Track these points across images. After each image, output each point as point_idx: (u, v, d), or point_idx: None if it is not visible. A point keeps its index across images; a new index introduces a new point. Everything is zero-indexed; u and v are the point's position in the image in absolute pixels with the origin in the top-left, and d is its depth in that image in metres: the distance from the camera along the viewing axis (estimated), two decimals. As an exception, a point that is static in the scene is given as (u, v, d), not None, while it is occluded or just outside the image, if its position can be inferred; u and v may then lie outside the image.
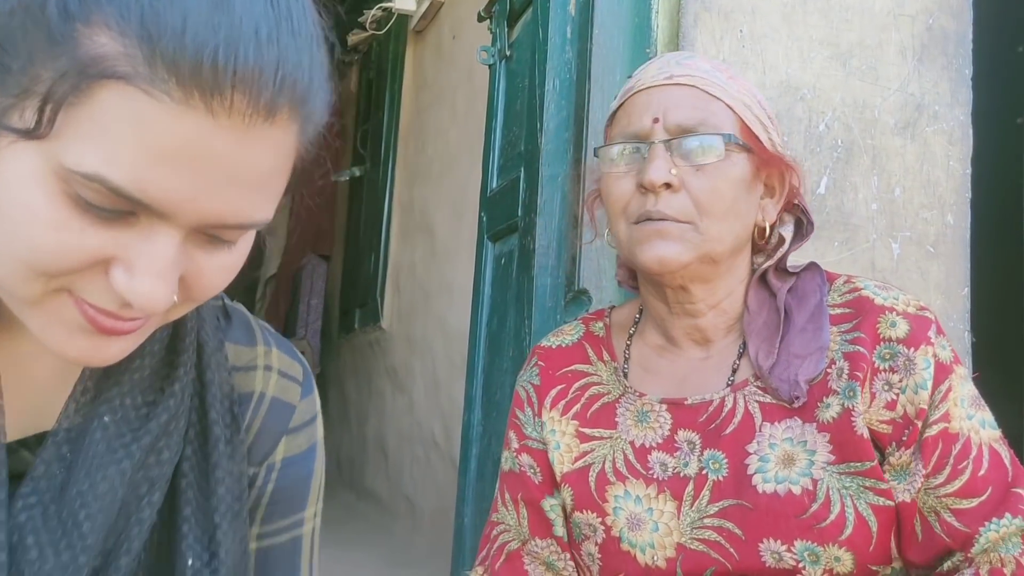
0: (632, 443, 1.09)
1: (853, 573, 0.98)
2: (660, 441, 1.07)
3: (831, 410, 1.01)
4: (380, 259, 4.29)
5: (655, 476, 1.06)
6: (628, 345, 1.17)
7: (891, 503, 0.98)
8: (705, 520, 1.02)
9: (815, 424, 1.01)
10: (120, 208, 0.54)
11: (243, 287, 5.34)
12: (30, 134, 0.53)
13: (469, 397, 2.23)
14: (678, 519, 1.03)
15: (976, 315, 1.67)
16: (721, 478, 1.03)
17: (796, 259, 1.14)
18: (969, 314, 1.67)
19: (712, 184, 1.03)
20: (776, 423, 1.03)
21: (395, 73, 4.38)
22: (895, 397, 0.99)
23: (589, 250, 1.65)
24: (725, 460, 1.03)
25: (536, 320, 1.79)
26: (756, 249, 1.13)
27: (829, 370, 1.03)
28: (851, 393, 1.00)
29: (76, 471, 0.63)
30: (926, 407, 0.98)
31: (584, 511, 1.08)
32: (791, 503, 0.98)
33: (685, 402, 1.08)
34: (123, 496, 0.64)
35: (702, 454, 1.05)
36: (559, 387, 1.16)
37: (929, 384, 0.99)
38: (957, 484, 0.97)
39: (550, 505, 1.12)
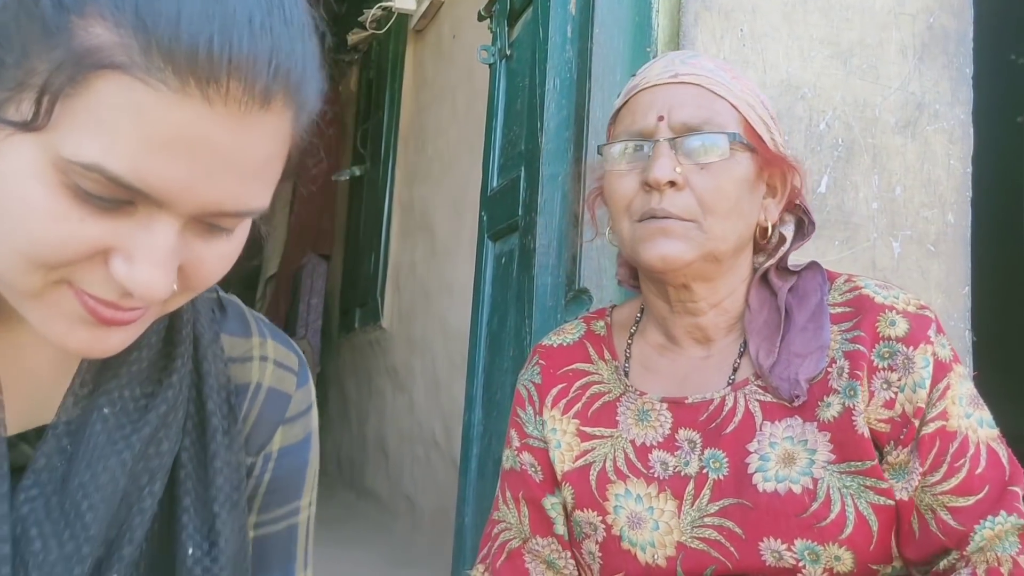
0: (633, 442, 1.09)
1: (853, 572, 0.98)
2: (661, 440, 1.08)
3: (832, 409, 1.01)
4: (380, 258, 4.29)
5: (656, 475, 1.06)
6: (629, 344, 1.17)
7: (891, 502, 0.98)
8: (705, 519, 1.02)
9: (816, 423, 1.01)
10: (119, 197, 0.54)
11: (243, 285, 5.35)
12: (27, 126, 0.53)
13: (469, 396, 2.23)
14: (678, 518, 1.03)
15: (977, 314, 1.67)
16: (721, 477, 1.03)
17: (797, 258, 1.14)
18: (970, 313, 1.67)
19: (716, 183, 1.03)
20: (776, 422, 1.03)
21: (395, 72, 4.38)
22: (893, 396, 0.99)
23: (589, 249, 1.65)
24: (725, 459, 1.03)
25: (537, 319, 1.79)
26: (757, 248, 1.13)
27: (830, 369, 1.03)
28: (851, 392, 1.00)
29: (77, 463, 0.64)
30: (924, 406, 0.98)
31: (585, 510, 1.08)
32: (791, 502, 0.98)
33: (686, 401, 1.08)
34: (124, 487, 0.64)
35: (703, 453, 1.05)
36: (560, 386, 1.16)
37: (927, 383, 0.99)
38: (954, 482, 0.97)
39: (551, 503, 1.12)
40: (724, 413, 1.06)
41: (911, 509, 0.99)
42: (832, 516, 0.97)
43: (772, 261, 1.10)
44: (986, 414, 1.01)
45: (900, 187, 1.65)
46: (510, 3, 2.26)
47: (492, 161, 2.30)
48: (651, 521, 1.04)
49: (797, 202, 1.13)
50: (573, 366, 1.17)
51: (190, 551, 0.67)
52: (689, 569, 1.02)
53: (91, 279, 0.57)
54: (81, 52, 0.52)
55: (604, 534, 1.07)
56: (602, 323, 1.21)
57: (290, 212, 5.64)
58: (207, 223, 0.59)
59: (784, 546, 0.98)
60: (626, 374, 1.14)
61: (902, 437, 0.99)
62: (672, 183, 1.02)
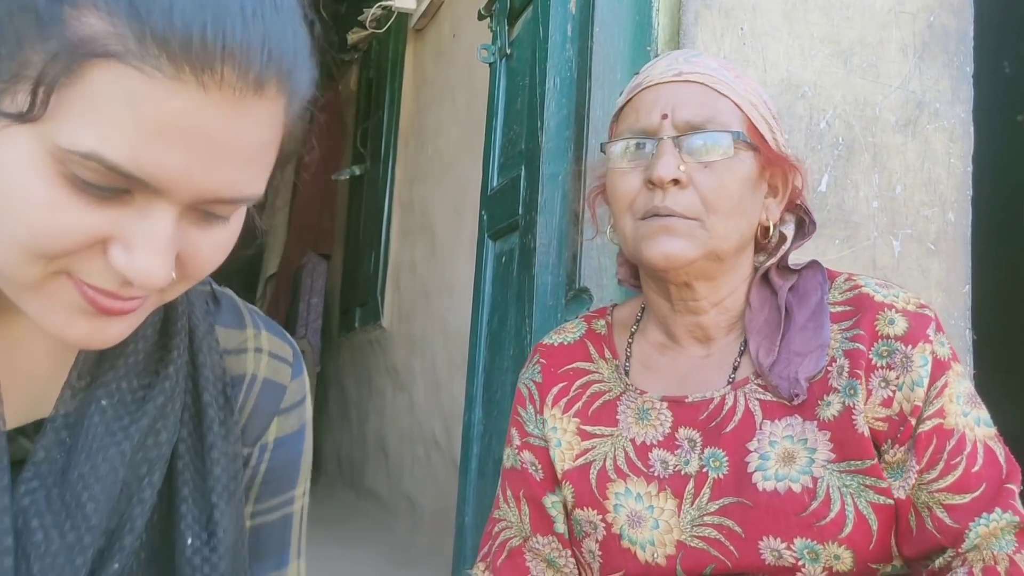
0: (633, 441, 1.09)
1: (853, 571, 0.98)
2: (661, 439, 1.08)
3: (832, 408, 1.01)
4: (380, 258, 4.29)
5: (656, 474, 1.06)
6: (630, 343, 1.17)
7: (891, 501, 0.98)
8: (705, 518, 1.02)
9: (816, 422, 1.01)
10: (116, 186, 0.55)
11: (243, 285, 5.35)
12: (23, 117, 0.53)
13: (470, 396, 2.22)
14: (678, 517, 1.03)
15: (977, 313, 1.67)
16: (721, 476, 1.03)
17: (797, 257, 1.14)
18: (970, 312, 1.67)
19: (720, 181, 1.03)
20: (776, 421, 1.03)
21: (395, 72, 4.38)
22: (891, 394, 0.99)
23: (590, 248, 1.65)
24: (725, 458, 1.03)
25: (537, 318, 1.79)
26: (758, 248, 1.13)
27: (830, 368, 1.03)
28: (852, 391, 1.00)
29: (76, 454, 0.64)
30: (921, 404, 0.98)
31: (585, 508, 1.08)
32: (791, 501, 0.98)
33: (686, 400, 1.08)
34: (124, 477, 0.65)
35: (703, 452, 1.05)
36: (561, 385, 1.16)
37: (925, 381, 0.99)
38: (950, 479, 0.97)
39: (551, 502, 1.12)
40: (724, 412, 1.05)
41: (909, 507, 0.98)
42: (832, 515, 0.97)
43: (773, 260, 1.10)
44: (984, 413, 1.01)
45: (900, 186, 1.65)
46: (510, 2, 2.26)
47: (492, 160, 2.30)
48: (651, 520, 1.04)
49: (798, 202, 1.14)
50: (574, 365, 1.17)
51: (189, 541, 0.67)
52: (689, 568, 1.02)
53: (90, 269, 0.57)
54: (75, 42, 0.53)
55: (604, 533, 1.07)
56: (603, 322, 1.21)
57: (290, 212, 5.64)
58: (203, 211, 0.60)
59: (784, 545, 0.98)
60: (627, 373, 1.14)
61: (899, 435, 0.99)
62: (676, 181, 1.02)
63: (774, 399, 1.04)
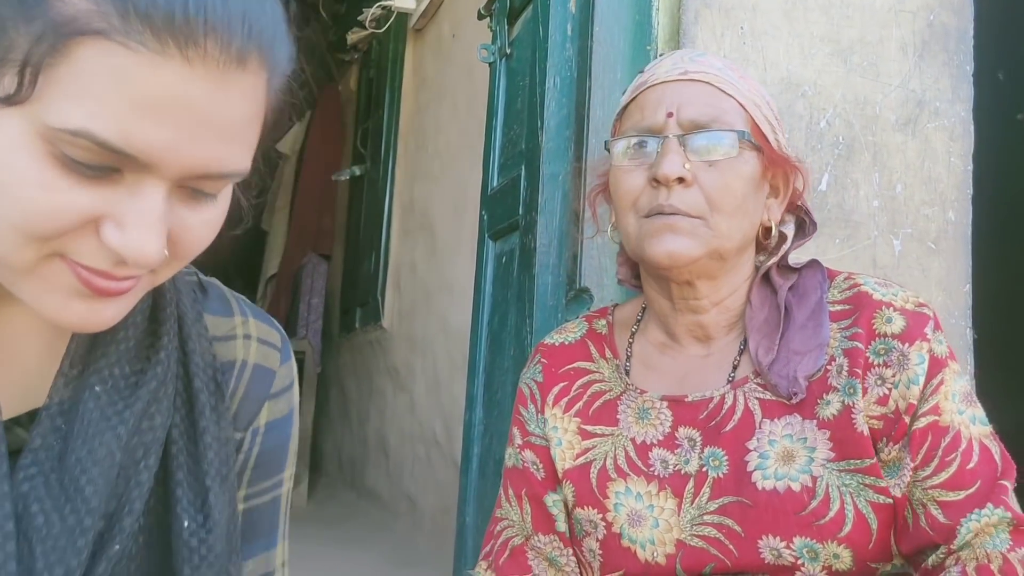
0: (633, 440, 1.09)
1: (852, 570, 0.98)
2: (661, 438, 1.08)
3: (831, 407, 1.01)
4: (381, 258, 4.29)
5: (656, 473, 1.06)
6: (630, 343, 1.17)
7: (890, 500, 0.98)
8: (705, 517, 1.02)
9: (815, 421, 1.01)
10: (106, 164, 0.56)
11: (244, 285, 5.34)
12: (11, 100, 0.54)
13: (470, 396, 2.22)
14: (678, 516, 1.03)
15: (977, 311, 1.67)
16: (721, 475, 1.03)
17: (798, 256, 1.14)
18: (970, 310, 1.67)
19: (724, 180, 1.03)
20: (776, 420, 1.03)
21: (395, 72, 4.38)
22: (887, 392, 0.99)
23: (590, 248, 1.65)
24: (725, 457, 1.03)
25: (537, 318, 1.79)
26: (759, 248, 1.13)
27: (829, 367, 1.03)
28: (851, 390, 1.00)
29: (73, 440, 0.65)
30: (916, 402, 0.98)
31: (585, 507, 1.09)
32: (790, 500, 0.98)
33: (686, 399, 1.08)
34: (121, 461, 0.66)
35: (702, 451, 1.05)
36: (562, 384, 1.16)
37: (921, 379, 0.98)
38: (944, 476, 0.97)
39: (553, 501, 1.12)
40: (724, 411, 1.06)
41: (905, 505, 0.98)
42: (831, 514, 0.97)
43: (774, 260, 1.11)
44: (979, 411, 1.01)
45: (901, 185, 1.65)
46: (510, 2, 2.26)
47: (492, 160, 2.30)
48: (651, 519, 1.04)
49: (798, 203, 1.14)
50: (574, 364, 1.17)
51: (186, 523, 0.69)
52: (688, 567, 1.02)
53: (84, 250, 0.58)
54: (59, 21, 0.54)
55: (604, 532, 1.07)
56: (604, 322, 1.21)
57: (290, 212, 5.64)
58: (191, 189, 0.61)
59: (783, 544, 0.98)
60: (627, 372, 1.15)
61: (893, 433, 0.99)
62: (681, 179, 1.02)
63: (773, 398, 1.04)
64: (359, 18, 4.28)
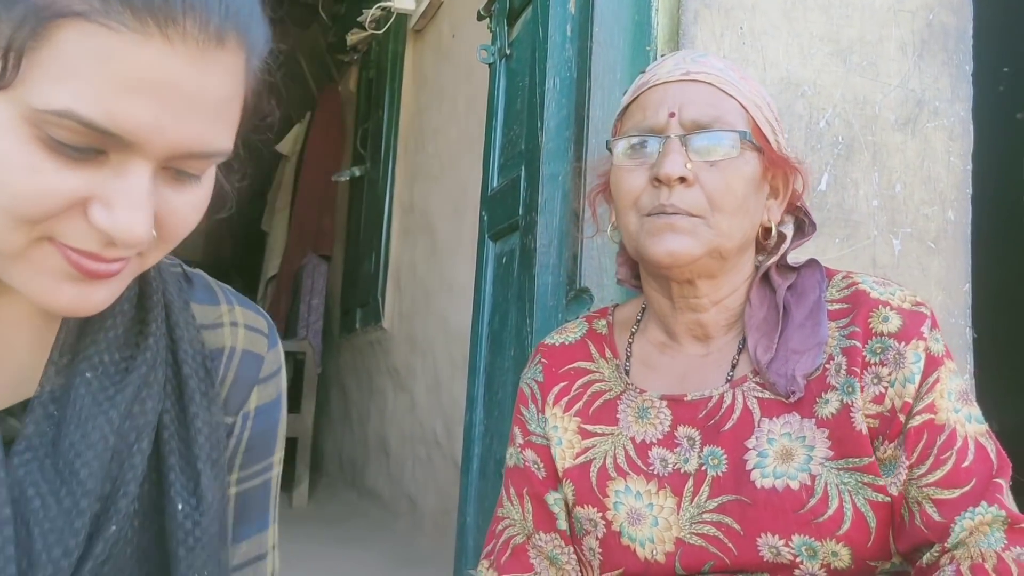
0: (633, 439, 1.09)
1: (851, 568, 0.98)
2: (660, 437, 1.08)
3: (830, 406, 1.01)
4: (381, 258, 4.29)
5: (655, 472, 1.07)
6: (630, 343, 1.17)
7: (888, 499, 0.98)
8: (704, 515, 1.02)
9: (814, 420, 1.01)
10: (91, 145, 0.57)
11: (243, 286, 5.34)
12: None
13: (471, 396, 2.23)
14: (677, 514, 1.04)
15: (977, 311, 1.67)
16: (720, 474, 1.03)
17: (798, 256, 1.15)
18: (970, 310, 1.67)
19: (725, 180, 1.03)
20: (775, 418, 1.03)
21: (395, 72, 4.38)
22: (883, 391, 0.99)
23: (590, 248, 1.66)
24: (724, 456, 1.03)
25: (537, 319, 1.79)
26: (759, 248, 1.14)
27: (827, 366, 1.03)
28: (850, 389, 1.00)
29: (66, 425, 0.66)
30: (911, 400, 0.98)
31: (585, 506, 1.09)
32: (789, 498, 0.99)
33: (685, 398, 1.09)
34: (114, 445, 0.67)
35: (702, 450, 1.05)
36: (562, 384, 1.16)
37: (917, 378, 0.99)
38: (939, 474, 0.97)
39: (554, 499, 1.12)
40: (723, 410, 1.06)
41: (901, 502, 0.99)
42: (830, 512, 0.97)
43: (774, 259, 1.11)
44: (975, 410, 1.01)
45: (900, 184, 1.65)
46: (509, 2, 2.26)
47: (492, 161, 2.30)
48: (650, 517, 1.05)
49: (798, 204, 1.14)
50: (575, 364, 1.17)
51: (180, 506, 0.70)
52: (687, 565, 1.02)
53: (72, 232, 0.59)
54: (40, 5, 0.55)
55: (604, 530, 1.07)
56: (604, 322, 1.21)
57: (290, 213, 5.64)
58: (175, 171, 0.62)
59: (782, 542, 0.98)
60: (627, 372, 1.15)
61: (889, 431, 0.99)
62: (682, 179, 1.03)
63: (772, 397, 1.04)
64: (359, 19, 4.28)
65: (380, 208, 4.36)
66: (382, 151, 4.43)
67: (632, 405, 1.11)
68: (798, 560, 0.98)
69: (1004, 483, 0.97)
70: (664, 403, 1.09)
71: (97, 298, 0.62)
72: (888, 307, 1.02)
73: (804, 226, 1.16)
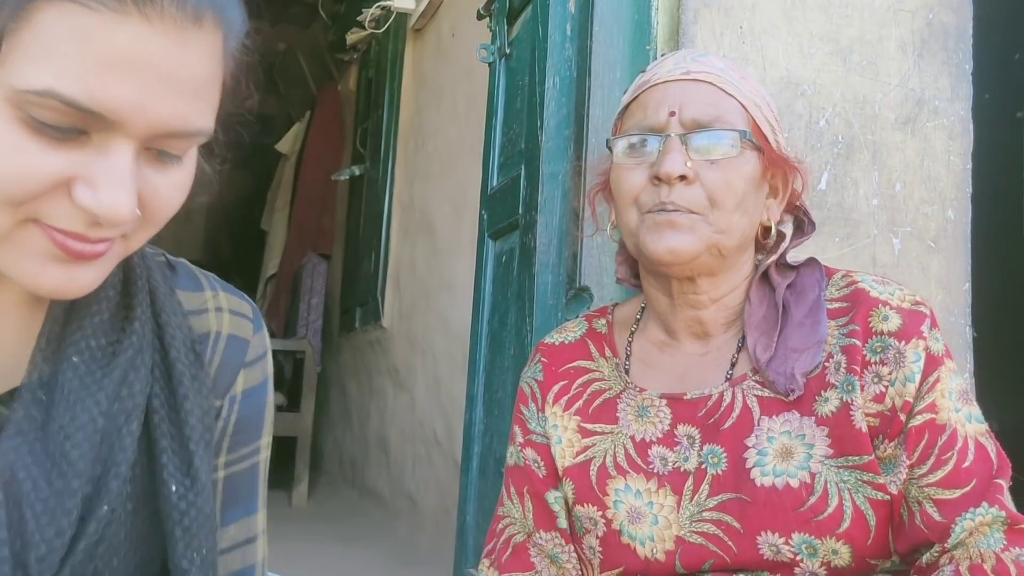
0: (633, 438, 1.09)
1: (851, 566, 0.98)
2: (660, 436, 1.08)
3: (829, 404, 1.01)
4: (380, 258, 4.29)
5: (655, 470, 1.07)
6: (630, 341, 1.17)
7: (888, 497, 0.98)
8: (704, 514, 1.03)
9: (813, 418, 1.01)
10: (73, 125, 0.57)
11: (243, 286, 5.34)
12: None
13: (471, 395, 2.23)
14: (677, 513, 1.04)
15: (977, 309, 1.67)
16: (720, 472, 1.03)
17: (798, 255, 1.15)
18: (970, 309, 1.67)
19: (726, 177, 1.04)
20: (774, 417, 1.03)
21: (394, 72, 4.38)
22: (884, 390, 1.00)
23: (590, 247, 1.66)
24: (724, 454, 1.04)
25: (537, 318, 1.79)
26: (759, 247, 1.14)
27: (827, 364, 1.03)
28: (849, 387, 1.01)
29: (55, 409, 0.67)
30: (912, 399, 0.99)
31: (585, 504, 1.09)
32: (789, 496, 0.99)
33: (684, 397, 1.09)
34: (103, 427, 0.68)
35: (701, 448, 1.05)
36: (562, 383, 1.16)
37: (917, 377, 0.99)
38: (940, 474, 0.97)
39: (554, 498, 1.13)
40: (722, 409, 1.06)
41: (900, 502, 0.99)
42: (829, 510, 0.98)
43: (774, 258, 1.11)
44: (975, 410, 1.01)
45: (900, 183, 1.66)
46: (509, 2, 2.26)
47: (492, 160, 2.30)
48: (650, 516, 1.05)
49: (797, 203, 1.15)
50: (575, 363, 1.18)
51: (174, 488, 0.71)
52: (687, 563, 1.02)
53: (57, 213, 0.60)
54: None
55: (604, 529, 1.07)
56: (604, 321, 1.21)
57: (290, 212, 5.64)
58: (157, 152, 0.62)
59: (782, 540, 0.98)
60: (627, 371, 1.15)
61: (889, 431, 0.99)
62: (683, 177, 1.03)
63: (772, 395, 1.04)
64: (358, 18, 4.28)
65: (380, 207, 4.36)
66: (382, 150, 4.43)
67: (632, 404, 1.12)
68: (798, 558, 0.98)
69: (1004, 483, 0.97)
70: (664, 402, 1.10)
71: (83, 280, 0.63)
72: (888, 306, 1.03)
73: (803, 225, 1.16)
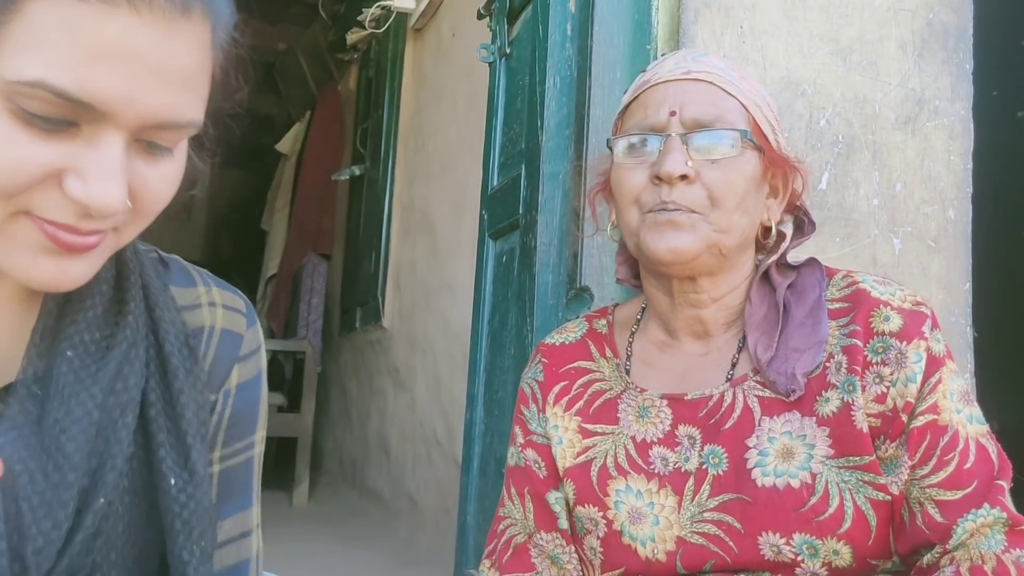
0: (633, 438, 1.09)
1: (852, 566, 0.98)
2: (661, 436, 1.08)
3: (830, 404, 1.01)
4: (381, 258, 4.29)
5: (656, 471, 1.07)
6: (630, 342, 1.17)
7: (889, 497, 0.98)
8: (705, 514, 1.03)
9: (814, 418, 1.01)
10: (63, 116, 0.58)
11: (243, 286, 5.35)
12: None
13: (471, 395, 2.23)
14: (678, 513, 1.04)
15: (978, 309, 1.67)
16: (721, 472, 1.03)
17: (798, 255, 1.15)
18: (971, 308, 1.67)
19: (727, 177, 1.04)
20: (775, 417, 1.03)
21: (394, 71, 4.38)
22: (885, 390, 1.00)
23: (591, 247, 1.66)
24: (725, 454, 1.04)
25: (538, 318, 1.79)
26: (759, 247, 1.14)
27: (828, 364, 1.03)
28: (850, 387, 1.01)
29: (50, 402, 0.67)
30: (913, 400, 0.99)
31: (586, 505, 1.09)
32: (790, 496, 0.99)
33: (685, 397, 1.09)
34: (98, 420, 0.68)
35: (702, 449, 1.05)
36: (562, 383, 1.16)
37: (919, 378, 0.99)
38: (942, 475, 0.97)
39: (555, 498, 1.13)
40: (723, 409, 1.06)
41: (902, 502, 0.99)
42: (830, 510, 0.98)
43: (774, 258, 1.11)
44: (976, 411, 1.01)
45: (900, 183, 1.65)
46: (509, 1, 2.26)
47: (492, 159, 2.30)
48: (651, 516, 1.05)
49: (797, 203, 1.15)
50: (575, 364, 1.18)
51: (172, 481, 0.71)
52: (689, 564, 1.02)
53: (48, 205, 0.60)
54: None
55: (605, 529, 1.07)
56: (604, 321, 1.21)
57: (290, 212, 5.64)
58: (148, 143, 0.63)
59: (783, 540, 0.98)
60: (627, 372, 1.15)
61: (890, 431, 0.99)
62: (684, 177, 1.03)
63: (772, 395, 1.04)
64: (359, 18, 4.28)
65: (380, 207, 4.35)
66: (382, 150, 4.43)
67: (633, 404, 1.11)
68: (799, 559, 0.98)
69: (1005, 485, 0.97)
70: (665, 402, 1.10)
71: (75, 272, 0.63)
72: (889, 307, 1.03)
73: (803, 225, 1.16)
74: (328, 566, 3.19)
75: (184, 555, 0.70)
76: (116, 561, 0.69)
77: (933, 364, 1.00)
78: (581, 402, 1.15)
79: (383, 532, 3.72)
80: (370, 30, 4.25)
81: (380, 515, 4.00)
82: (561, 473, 1.12)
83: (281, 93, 6.64)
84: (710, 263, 1.06)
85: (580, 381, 1.16)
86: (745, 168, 1.05)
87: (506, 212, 2.12)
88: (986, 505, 0.95)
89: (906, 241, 1.64)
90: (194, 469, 0.72)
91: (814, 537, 0.97)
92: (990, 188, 1.73)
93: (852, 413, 1.00)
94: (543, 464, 1.14)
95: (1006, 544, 0.93)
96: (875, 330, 1.02)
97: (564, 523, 1.12)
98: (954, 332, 1.63)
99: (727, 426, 1.05)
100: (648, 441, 1.08)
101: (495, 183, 2.27)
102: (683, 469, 1.06)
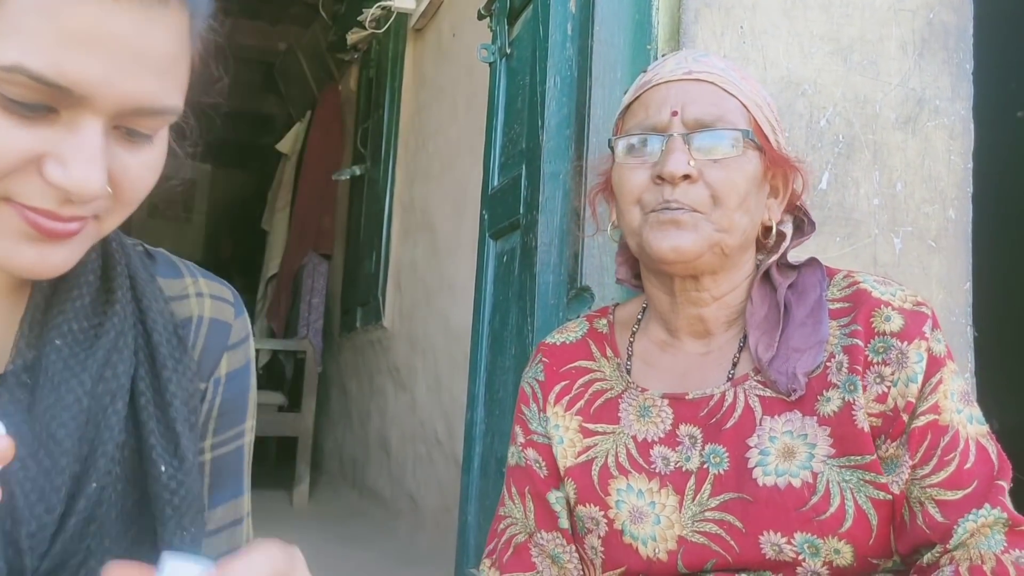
0: (634, 438, 1.09)
1: (853, 566, 0.98)
2: (662, 435, 1.08)
3: (831, 404, 1.01)
4: (381, 258, 4.29)
5: (657, 470, 1.07)
6: (631, 341, 1.18)
7: (890, 496, 0.98)
8: (706, 513, 1.03)
9: (815, 417, 1.02)
10: (42, 102, 0.58)
11: (243, 286, 5.35)
12: None
13: (471, 395, 2.23)
14: (680, 512, 1.04)
15: (978, 309, 1.67)
16: (722, 472, 1.03)
17: (799, 254, 1.15)
18: (971, 308, 1.67)
19: (729, 176, 1.04)
20: (776, 416, 1.03)
21: (395, 71, 4.38)
22: (886, 390, 1.00)
23: (591, 247, 1.66)
24: (726, 454, 1.04)
25: (538, 317, 1.79)
26: (760, 247, 1.14)
27: (829, 364, 1.03)
28: (851, 387, 1.01)
29: (40, 391, 0.68)
30: (914, 400, 0.99)
31: (587, 505, 1.09)
32: (791, 496, 0.99)
33: (686, 397, 1.09)
34: (88, 407, 0.69)
35: (703, 448, 1.05)
36: (563, 383, 1.16)
37: (920, 378, 0.99)
38: (943, 475, 0.97)
39: (555, 498, 1.13)
40: (724, 408, 1.06)
41: (902, 502, 0.99)
42: (831, 510, 0.98)
43: (775, 258, 1.11)
44: (976, 411, 1.02)
45: (901, 183, 1.66)
46: (510, 1, 2.26)
47: (493, 159, 2.30)
48: (652, 516, 1.05)
49: (797, 204, 1.15)
50: (576, 364, 1.18)
51: (163, 468, 0.72)
52: (690, 563, 1.02)
53: (28, 191, 0.60)
54: None
55: (606, 529, 1.07)
56: (605, 321, 1.22)
57: (290, 212, 5.64)
58: (127, 130, 0.63)
59: (784, 539, 0.98)
60: (628, 371, 1.15)
61: (891, 431, 0.99)
62: (686, 176, 1.03)
63: (773, 395, 1.04)
64: (359, 18, 4.28)
65: (380, 207, 4.35)
66: (382, 150, 4.43)
67: (633, 404, 1.12)
68: (800, 558, 0.98)
69: (1005, 485, 0.98)
70: (665, 401, 1.10)
71: (56, 259, 0.64)
72: (890, 307, 1.03)
73: (803, 225, 1.17)
74: (328, 566, 3.19)
75: (175, 540, 0.71)
76: (110, 547, 0.70)
77: (934, 364, 1.00)
78: (582, 402, 1.15)
79: (383, 532, 3.72)
80: (370, 30, 4.25)
81: (380, 515, 4.00)
82: (562, 472, 1.12)
83: (282, 93, 6.65)
84: (712, 262, 1.07)
85: (581, 381, 1.16)
86: (747, 168, 1.05)
87: (507, 212, 2.12)
88: (986, 505, 0.95)
89: (906, 241, 1.64)
90: (184, 456, 0.73)
91: (815, 536, 0.97)
92: (990, 188, 1.73)
93: (853, 413, 1.00)
94: (544, 463, 1.14)
95: (1006, 544, 0.94)
96: (876, 330, 1.02)
97: (565, 522, 1.12)
98: (954, 332, 1.63)
99: (728, 425, 1.05)
100: (649, 440, 1.09)
101: (495, 183, 2.27)
102: (684, 468, 1.06)
